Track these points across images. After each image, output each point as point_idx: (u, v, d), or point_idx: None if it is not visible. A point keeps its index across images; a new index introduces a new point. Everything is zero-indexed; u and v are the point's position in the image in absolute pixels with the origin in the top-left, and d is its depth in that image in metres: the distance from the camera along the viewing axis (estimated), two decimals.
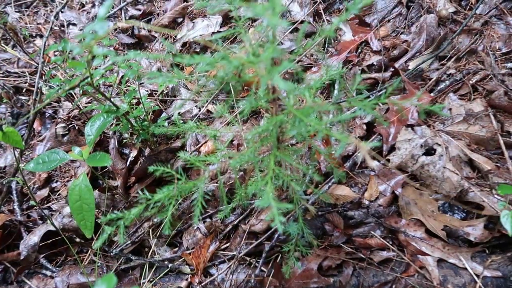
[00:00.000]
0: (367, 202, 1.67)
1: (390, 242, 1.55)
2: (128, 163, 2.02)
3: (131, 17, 2.61)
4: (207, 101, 2.06)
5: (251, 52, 0.99)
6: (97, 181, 2.05)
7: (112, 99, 1.57)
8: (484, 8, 2.05)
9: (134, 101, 2.08)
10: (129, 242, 1.73)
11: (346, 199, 1.67)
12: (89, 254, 1.73)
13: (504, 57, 1.90)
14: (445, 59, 1.96)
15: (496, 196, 1.54)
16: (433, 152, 1.67)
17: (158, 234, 1.74)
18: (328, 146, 1.72)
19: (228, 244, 1.68)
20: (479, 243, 1.48)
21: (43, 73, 1.80)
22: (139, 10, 2.63)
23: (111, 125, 2.09)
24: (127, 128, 1.71)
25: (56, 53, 2.55)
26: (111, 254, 1.67)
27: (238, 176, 1.59)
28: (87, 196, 1.43)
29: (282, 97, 1.16)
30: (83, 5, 2.79)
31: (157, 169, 1.19)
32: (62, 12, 2.67)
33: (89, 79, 1.18)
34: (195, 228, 1.72)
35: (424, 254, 1.48)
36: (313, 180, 1.73)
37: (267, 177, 1.00)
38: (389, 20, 2.16)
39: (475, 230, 1.51)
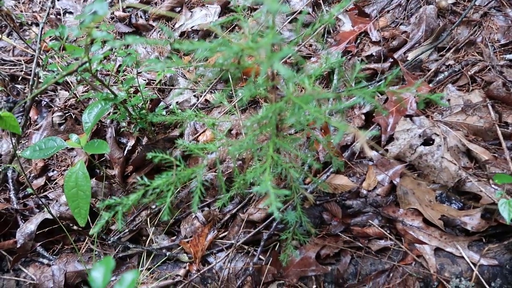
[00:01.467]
0: (365, 192, 1.68)
1: (388, 231, 1.56)
2: (125, 152, 2.00)
3: (129, 7, 2.58)
4: (205, 90, 2.05)
5: (251, 38, 0.98)
6: (94, 170, 2.04)
7: (109, 87, 1.55)
8: None
9: (132, 90, 2.07)
10: (126, 230, 1.73)
11: (345, 188, 1.67)
12: (87, 242, 1.73)
13: (502, 48, 1.90)
14: (444, 50, 1.96)
15: (493, 185, 1.55)
16: (431, 142, 1.67)
17: (156, 223, 1.73)
18: (326, 135, 1.72)
19: (226, 233, 1.68)
20: (476, 232, 1.49)
21: (40, 58, 1.78)
22: (136, 0, 2.61)
23: (109, 113, 2.07)
24: (125, 116, 1.69)
25: (53, 41, 2.52)
26: (109, 242, 1.66)
27: (236, 165, 1.59)
28: (83, 183, 1.42)
29: (281, 85, 1.15)
30: None
31: (156, 155, 1.18)
32: (58, 0, 2.64)
33: (87, 64, 1.17)
34: (193, 216, 1.71)
35: (422, 243, 1.49)
36: (312, 169, 1.74)
37: (266, 164, 1.00)
38: (388, 11, 2.15)
39: (472, 220, 1.52)
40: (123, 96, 1.72)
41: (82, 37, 2.25)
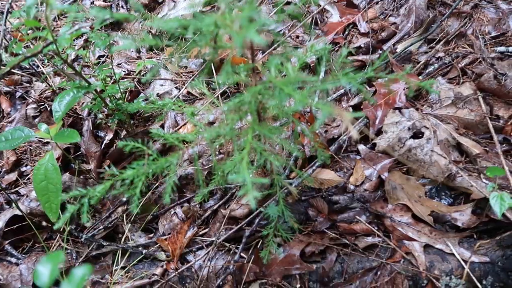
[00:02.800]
0: (352, 187, 1.61)
1: (376, 228, 1.49)
2: (103, 145, 1.91)
3: None
4: (187, 82, 1.96)
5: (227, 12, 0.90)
6: (69, 165, 1.93)
7: (85, 77, 1.46)
8: None
9: (111, 81, 1.97)
10: (101, 227, 1.63)
11: (331, 183, 1.60)
12: (57, 240, 1.63)
13: (493, 40, 1.85)
14: (434, 42, 1.90)
15: (484, 180, 1.49)
16: (420, 135, 1.61)
17: (132, 219, 1.64)
18: (312, 119, 1.64)
19: (206, 230, 1.59)
20: (467, 228, 1.43)
21: (7, 41, 1.68)
22: None
23: (82, 103, 1.97)
24: (100, 106, 1.60)
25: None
26: (82, 240, 1.57)
27: (217, 158, 1.51)
28: (53, 176, 1.32)
29: (263, 70, 1.08)
30: None
31: (127, 144, 1.09)
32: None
33: (53, 46, 1.08)
34: (172, 213, 1.63)
35: (411, 239, 1.42)
36: (297, 163, 1.66)
37: (244, 152, 0.92)
38: (377, 2, 2.09)
39: (463, 216, 1.46)
40: (98, 85, 1.62)
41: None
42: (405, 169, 1.62)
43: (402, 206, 1.53)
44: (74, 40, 2.31)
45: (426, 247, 1.39)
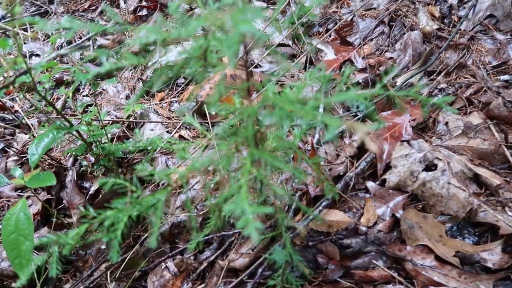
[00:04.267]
0: (364, 228, 1.44)
1: (396, 273, 1.30)
2: (87, 196, 1.75)
3: (100, 47, 2.47)
4: (178, 125, 1.86)
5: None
6: (49, 219, 1.75)
7: (65, 116, 1.35)
8: (468, 24, 1.98)
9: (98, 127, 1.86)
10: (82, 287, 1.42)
11: (340, 225, 1.44)
12: None
13: (495, 70, 1.80)
14: (435, 74, 1.84)
15: (510, 213, 1.34)
16: (433, 168, 1.48)
17: (117, 277, 1.44)
18: (314, 156, 1.51)
19: (203, 285, 1.39)
20: (500, 269, 1.25)
21: None
22: (108, 39, 2.49)
23: (70, 155, 1.84)
24: (84, 150, 1.47)
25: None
26: None
27: (209, 190, 1.36)
28: (25, 226, 1.15)
29: (258, 86, 0.97)
30: (48, 36, 2.65)
31: (105, 181, 0.95)
32: (25, 43, 2.51)
33: (28, 77, 0.97)
34: (162, 267, 1.43)
35: (438, 284, 1.23)
36: (303, 201, 1.51)
37: (242, 180, 0.78)
38: (372, 39, 2.07)
39: (492, 255, 1.28)
40: (84, 129, 1.51)
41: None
42: (420, 206, 1.46)
43: (422, 247, 1.35)
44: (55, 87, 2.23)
45: None
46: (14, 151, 1.93)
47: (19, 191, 1.93)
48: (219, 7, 0.77)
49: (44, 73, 1.21)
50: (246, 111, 0.86)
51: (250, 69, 1.97)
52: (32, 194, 1.78)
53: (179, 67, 0.92)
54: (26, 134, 2.08)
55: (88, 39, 2.46)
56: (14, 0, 0.81)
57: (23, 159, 1.99)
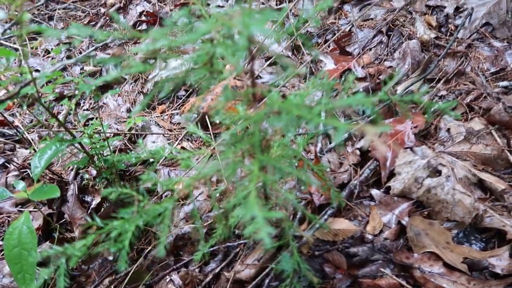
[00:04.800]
0: (370, 236, 1.43)
1: (405, 281, 1.28)
2: (89, 210, 1.73)
3: (100, 62, 2.48)
4: (180, 137, 1.85)
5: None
6: (51, 234, 1.73)
7: (68, 129, 1.34)
8: (465, 32, 2.01)
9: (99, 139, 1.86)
10: None
11: (346, 234, 1.42)
12: None
13: (494, 76, 1.81)
14: (434, 82, 1.85)
15: None
16: (438, 174, 1.48)
17: None
18: (317, 164, 1.51)
19: None
20: (509, 274, 1.23)
21: None
22: (108, 54, 2.51)
23: (69, 168, 1.82)
24: (86, 162, 1.46)
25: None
26: None
27: (216, 198, 1.35)
28: (28, 240, 1.14)
29: (264, 92, 0.97)
30: (48, 52, 2.66)
31: (111, 190, 0.94)
32: (24, 59, 2.51)
33: (33, 90, 0.97)
34: (167, 280, 1.41)
35: None
36: (308, 209, 1.50)
37: (251, 185, 0.77)
38: (370, 49, 2.08)
39: (501, 261, 1.27)
40: (86, 142, 1.50)
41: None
42: (426, 212, 1.45)
43: (429, 254, 1.34)
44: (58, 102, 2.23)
45: None
46: (15, 166, 1.92)
47: (20, 206, 1.91)
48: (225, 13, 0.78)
49: (47, 85, 1.20)
50: (253, 118, 0.86)
51: (251, 79, 1.98)
52: (33, 210, 1.77)
53: (184, 74, 0.92)
54: (26, 149, 2.07)
55: (96, 49, 2.47)
56: (21, 8, 0.81)
57: (24, 174, 1.97)
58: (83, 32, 0.75)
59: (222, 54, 0.87)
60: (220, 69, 0.88)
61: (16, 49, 2.62)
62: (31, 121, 2.17)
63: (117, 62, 2.18)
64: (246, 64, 1.28)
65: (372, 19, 2.25)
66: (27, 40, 2.73)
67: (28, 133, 2.07)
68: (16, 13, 0.76)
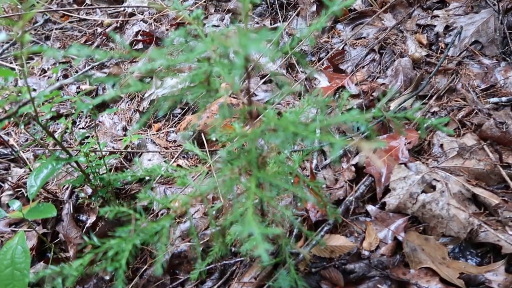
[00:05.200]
0: (367, 253, 1.43)
1: None
2: (84, 229, 1.72)
3: (99, 81, 2.49)
4: (176, 155, 1.86)
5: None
6: (45, 254, 1.71)
7: (65, 147, 1.35)
8: (455, 50, 2.06)
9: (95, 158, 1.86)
10: None
11: (343, 250, 1.42)
12: None
13: (484, 93, 1.85)
14: (426, 98, 1.89)
15: (511, 232, 1.34)
16: (432, 189, 1.49)
17: None
18: (313, 181, 1.52)
19: None
20: None
21: None
22: (105, 73, 2.53)
23: (64, 187, 1.82)
24: (82, 180, 1.46)
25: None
26: None
27: (213, 216, 1.35)
28: (21, 260, 1.12)
29: (260, 109, 0.99)
30: (44, 71, 2.68)
31: (109, 209, 0.94)
32: (20, 78, 2.54)
33: (31, 107, 0.98)
34: None
35: None
36: (301, 234, 1.50)
37: (248, 203, 0.78)
38: (363, 67, 2.12)
39: (497, 276, 1.28)
40: (82, 160, 1.50)
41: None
42: (421, 228, 1.46)
43: (426, 270, 1.34)
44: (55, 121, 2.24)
45: None
46: (9, 185, 1.91)
47: (13, 226, 1.89)
48: (222, 33, 0.80)
49: (43, 104, 1.22)
50: (250, 135, 0.87)
51: (247, 96, 2.01)
52: (27, 229, 1.75)
53: (180, 92, 0.94)
54: (21, 168, 2.07)
55: (92, 68, 2.49)
56: (23, 29, 0.83)
57: (18, 193, 1.96)
58: (83, 52, 0.77)
59: (219, 73, 0.89)
60: (217, 87, 0.90)
61: (12, 69, 2.63)
62: (26, 140, 2.17)
63: (116, 81, 2.19)
64: (242, 82, 1.30)
65: (364, 37, 2.30)
66: (23, 59, 2.75)
67: (23, 152, 2.07)
68: (18, 34, 0.77)
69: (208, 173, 1.63)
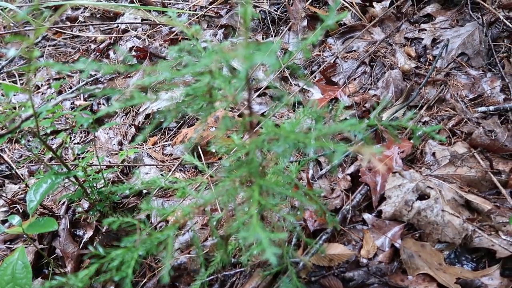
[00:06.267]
0: (365, 260, 1.45)
1: None
2: (81, 244, 1.71)
3: (91, 96, 2.51)
4: (173, 168, 1.87)
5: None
6: (42, 270, 1.70)
7: (64, 162, 1.35)
8: (442, 62, 2.12)
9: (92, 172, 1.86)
10: None
11: (341, 258, 1.44)
12: None
13: (472, 102, 1.91)
14: (417, 108, 1.94)
15: (504, 236, 1.38)
16: (426, 197, 1.52)
17: None
18: (310, 189, 1.54)
19: None
20: None
21: None
22: (99, 88, 2.55)
23: (60, 202, 1.81)
24: (80, 195, 1.46)
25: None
26: None
27: (214, 224, 1.35)
28: (22, 275, 1.12)
29: (260, 119, 1.01)
30: (38, 87, 2.68)
31: (113, 220, 0.96)
32: (14, 95, 2.54)
33: (32, 122, 0.99)
34: None
35: None
36: (300, 242, 1.51)
37: (252, 210, 0.80)
38: (355, 79, 2.18)
39: (492, 280, 1.31)
40: (80, 175, 1.51)
41: None
42: (417, 234, 1.49)
43: (423, 276, 1.36)
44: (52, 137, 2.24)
45: None
46: (4, 201, 1.89)
47: (8, 243, 1.87)
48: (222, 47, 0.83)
49: (45, 119, 1.23)
50: (251, 144, 0.89)
51: (241, 111, 2.04)
52: (24, 245, 1.73)
53: (176, 105, 0.96)
54: (15, 184, 2.05)
55: (86, 84, 2.50)
56: (31, 47, 0.85)
57: (14, 209, 1.94)
58: (90, 66, 0.79)
59: (220, 85, 0.92)
60: (218, 99, 0.93)
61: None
62: (21, 156, 2.17)
63: (121, 93, 2.21)
64: (239, 94, 1.32)
65: (355, 51, 2.36)
66: (17, 76, 2.76)
67: (18, 168, 2.06)
68: (26, 49, 0.79)
69: (207, 184, 1.65)
